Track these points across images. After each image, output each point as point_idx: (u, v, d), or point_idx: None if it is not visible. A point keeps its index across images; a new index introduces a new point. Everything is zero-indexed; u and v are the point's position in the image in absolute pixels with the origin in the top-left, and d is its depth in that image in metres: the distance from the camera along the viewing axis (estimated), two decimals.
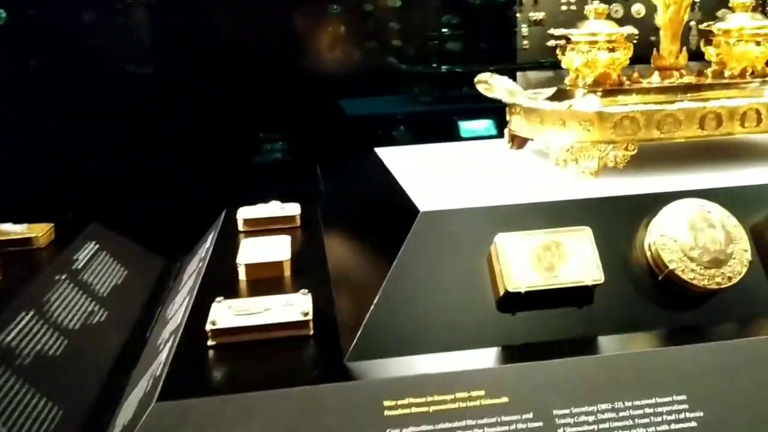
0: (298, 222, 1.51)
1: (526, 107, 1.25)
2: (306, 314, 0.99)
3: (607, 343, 0.95)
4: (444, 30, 2.29)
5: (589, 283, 0.96)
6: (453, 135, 2.17)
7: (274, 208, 1.52)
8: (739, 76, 1.32)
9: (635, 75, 1.31)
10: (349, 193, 1.51)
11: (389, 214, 1.19)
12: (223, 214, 1.61)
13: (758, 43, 1.30)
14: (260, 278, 1.21)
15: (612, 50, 1.24)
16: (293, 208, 1.51)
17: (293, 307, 1.01)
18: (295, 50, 2.29)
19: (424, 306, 0.97)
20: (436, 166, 1.33)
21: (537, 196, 1.09)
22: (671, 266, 0.98)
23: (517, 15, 2.26)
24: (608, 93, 1.24)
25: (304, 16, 2.35)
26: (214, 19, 2.31)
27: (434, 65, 2.33)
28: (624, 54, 1.25)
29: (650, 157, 1.21)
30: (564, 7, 2.61)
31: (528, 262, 0.97)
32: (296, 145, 2.28)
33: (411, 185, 1.18)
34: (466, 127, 2.19)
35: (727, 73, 1.33)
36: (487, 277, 0.99)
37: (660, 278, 1.00)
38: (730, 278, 0.98)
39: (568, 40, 1.29)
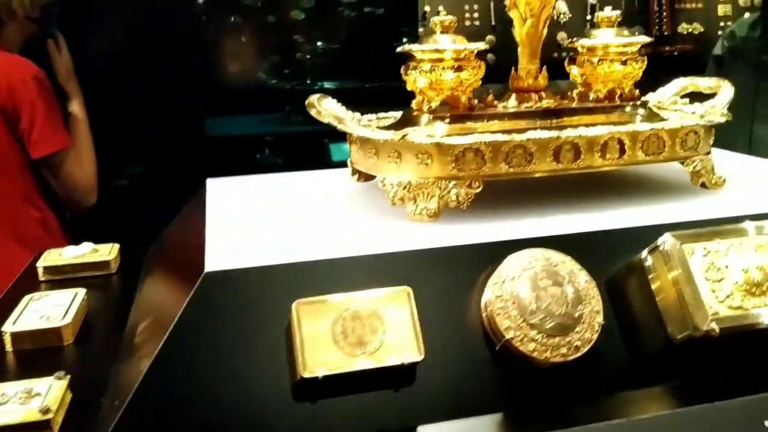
0: (113, 268, 1.27)
1: (360, 137, 1.06)
2: (46, 412, 0.76)
3: None
4: (319, 44, 2.10)
5: (405, 362, 0.78)
6: (324, 158, 1.97)
7: (81, 252, 1.28)
8: (605, 99, 1.17)
9: (489, 98, 1.15)
10: (172, 233, 1.29)
11: (181, 271, 0.97)
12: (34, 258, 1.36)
13: (624, 63, 1.15)
14: (33, 348, 0.97)
15: (459, 69, 1.07)
16: (107, 252, 1.28)
17: (33, 400, 0.78)
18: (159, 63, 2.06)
19: (199, 393, 0.76)
20: (260, 206, 1.13)
21: (357, 247, 0.89)
22: (508, 335, 0.80)
23: (420, 29, 2.08)
24: (456, 119, 1.07)
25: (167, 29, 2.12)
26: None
27: (308, 81, 2.13)
28: (473, 74, 1.08)
29: (499, 194, 1.04)
30: (468, 22, 2.42)
31: (330, 336, 0.78)
32: (152, 170, 2.03)
33: (217, 232, 0.98)
34: (339, 149, 2.00)
35: (592, 96, 1.19)
36: (285, 355, 0.79)
37: (497, 348, 0.82)
38: (577, 348, 0.81)
39: (412, 57, 1.11)
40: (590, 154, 1.02)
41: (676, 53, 2.83)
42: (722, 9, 2.87)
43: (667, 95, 1.29)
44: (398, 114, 1.18)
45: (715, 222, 0.95)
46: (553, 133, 1.00)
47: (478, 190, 0.99)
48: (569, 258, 0.86)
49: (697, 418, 0.78)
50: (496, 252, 0.87)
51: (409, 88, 1.11)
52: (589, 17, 2.63)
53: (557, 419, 0.79)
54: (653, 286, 0.88)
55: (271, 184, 1.27)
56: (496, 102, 1.15)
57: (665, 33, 2.81)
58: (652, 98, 1.28)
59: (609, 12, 1.17)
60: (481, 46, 1.11)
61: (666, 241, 0.87)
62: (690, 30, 2.83)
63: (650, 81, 1.25)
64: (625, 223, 0.96)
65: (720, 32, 2.81)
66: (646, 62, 1.17)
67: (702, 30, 2.87)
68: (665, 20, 2.80)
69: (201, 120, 2.15)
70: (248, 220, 1.04)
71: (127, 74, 2.08)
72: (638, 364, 0.85)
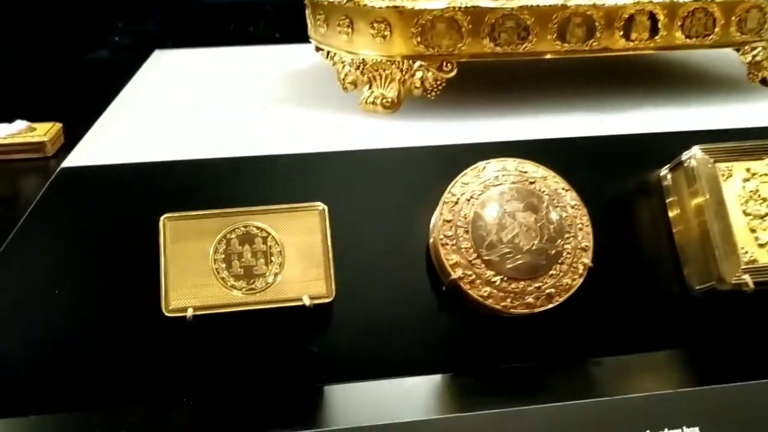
0: (50, 151, 1.08)
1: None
2: None
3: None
4: None
5: (309, 303, 0.57)
6: None
7: (13, 131, 1.09)
8: None
9: None
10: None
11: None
12: None
13: None
14: None
15: None
16: (43, 132, 1.08)
17: None
18: None
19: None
20: (187, 88, 0.91)
21: (266, 146, 0.67)
22: (455, 273, 0.59)
23: None
24: None
25: None
26: None
27: None
28: None
29: (481, 83, 0.80)
30: None
31: (207, 264, 0.57)
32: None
33: (111, 118, 0.77)
34: None
35: None
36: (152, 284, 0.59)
37: (444, 289, 0.61)
38: (550, 296, 0.59)
39: None
40: (609, 32, 0.75)
41: None
42: None
43: None
44: None
45: None
46: (559, 0, 0.73)
47: (452, 74, 0.74)
48: (553, 174, 0.63)
49: (704, 399, 0.57)
50: (460, 159, 0.64)
51: None
52: None
53: (516, 390, 0.59)
54: (671, 214, 0.65)
55: (222, 59, 1.05)
56: None
57: None
58: None
59: None
60: None
61: (694, 155, 0.63)
62: None
63: None
64: (640, 128, 0.71)
65: None
66: None
67: None
68: None
69: None
70: (158, 105, 0.82)
71: None
72: (635, 322, 0.63)
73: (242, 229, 0.58)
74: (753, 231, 0.60)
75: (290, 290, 0.57)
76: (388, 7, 0.73)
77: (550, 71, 0.81)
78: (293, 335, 0.58)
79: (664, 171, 0.66)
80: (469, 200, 0.60)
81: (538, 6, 0.73)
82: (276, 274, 0.57)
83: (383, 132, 0.71)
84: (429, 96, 0.75)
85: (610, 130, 0.71)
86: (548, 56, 0.75)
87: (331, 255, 0.58)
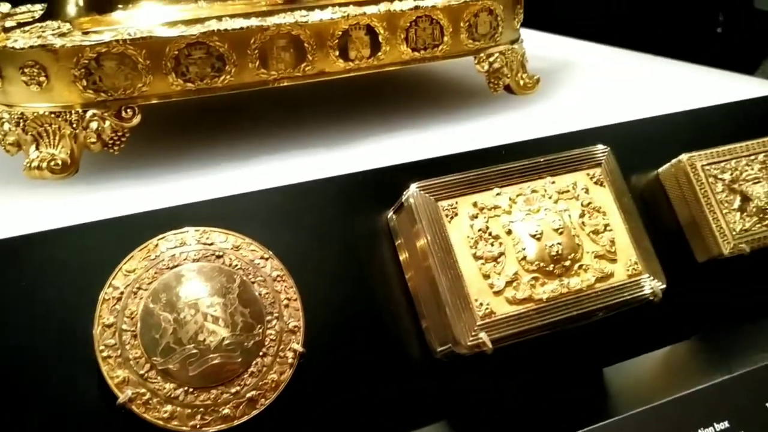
0: None
1: None
2: None
3: None
4: None
5: None
6: None
7: None
8: None
9: None
10: None
11: None
12: None
13: None
14: None
15: None
16: None
17: None
18: None
19: None
20: None
21: None
22: (124, 394, 0.45)
23: None
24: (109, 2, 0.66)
25: None
26: None
27: None
28: None
29: (182, 123, 0.67)
30: None
31: None
32: None
33: None
34: None
35: None
36: None
37: (122, 411, 0.47)
38: (253, 401, 0.47)
39: None
40: (322, 53, 0.65)
41: None
42: None
43: None
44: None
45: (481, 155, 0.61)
46: (253, 22, 0.61)
47: (134, 121, 0.60)
48: (249, 240, 0.50)
49: None
50: (131, 236, 0.50)
51: None
52: None
53: None
54: (402, 262, 0.55)
55: None
56: None
57: None
58: None
59: None
60: None
61: (411, 194, 0.53)
62: None
63: None
64: (368, 162, 0.61)
65: None
66: None
67: None
68: None
69: None
70: None
71: None
72: (372, 407, 0.52)
73: None
74: (486, 277, 0.51)
75: None
76: (34, 47, 0.57)
77: (266, 103, 0.69)
78: None
79: (390, 213, 0.56)
80: (136, 293, 0.47)
81: (228, 30, 0.60)
82: None
83: (49, 205, 0.56)
84: (112, 151, 0.60)
85: (329, 170, 0.59)
86: (251, 88, 0.63)
87: None
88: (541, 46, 1.04)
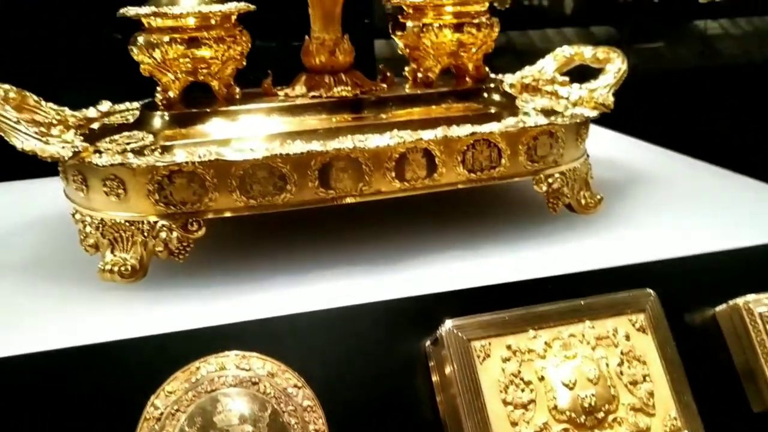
0: None
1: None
2: None
3: None
4: None
5: None
6: None
7: None
8: (438, 83, 0.83)
9: (267, 83, 0.80)
10: None
11: None
12: None
13: (459, 28, 0.80)
14: None
15: (209, 42, 0.72)
16: None
17: None
18: None
19: None
20: None
21: None
22: None
23: None
24: (189, 118, 0.72)
25: None
26: None
27: None
28: (231, 48, 0.73)
29: (245, 235, 0.71)
30: None
31: None
32: None
33: None
34: None
35: (420, 77, 0.84)
36: None
37: None
38: None
39: (140, 25, 0.75)
40: (379, 173, 0.68)
41: None
42: None
43: (547, 70, 0.94)
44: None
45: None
46: (314, 146, 0.65)
47: (199, 233, 0.65)
48: (284, 368, 0.53)
49: None
50: (178, 353, 0.54)
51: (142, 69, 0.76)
52: None
53: None
54: (437, 397, 0.56)
55: None
56: (278, 89, 0.80)
57: None
58: (526, 74, 0.93)
59: None
60: (241, 6, 0.75)
61: (444, 331, 0.54)
62: None
63: None
64: (418, 288, 0.62)
65: None
66: (497, 28, 0.82)
67: None
68: None
69: None
70: None
71: None
72: None
73: None
74: (514, 425, 0.51)
75: None
76: (114, 164, 0.63)
77: (324, 217, 0.72)
78: None
79: (428, 343, 0.57)
80: (174, 414, 0.50)
81: (293, 154, 0.64)
82: None
83: (107, 312, 0.60)
84: (177, 259, 0.65)
85: (376, 293, 0.61)
86: (311, 205, 0.67)
87: None
88: (617, 149, 1.03)
